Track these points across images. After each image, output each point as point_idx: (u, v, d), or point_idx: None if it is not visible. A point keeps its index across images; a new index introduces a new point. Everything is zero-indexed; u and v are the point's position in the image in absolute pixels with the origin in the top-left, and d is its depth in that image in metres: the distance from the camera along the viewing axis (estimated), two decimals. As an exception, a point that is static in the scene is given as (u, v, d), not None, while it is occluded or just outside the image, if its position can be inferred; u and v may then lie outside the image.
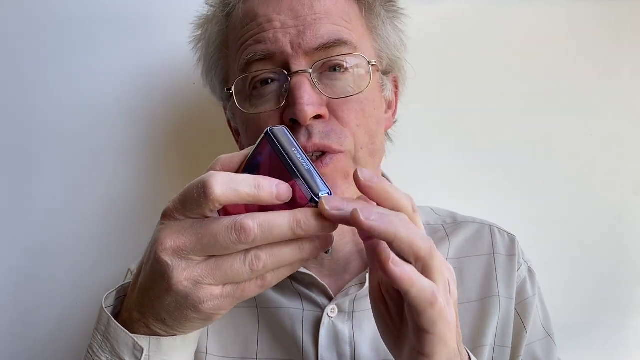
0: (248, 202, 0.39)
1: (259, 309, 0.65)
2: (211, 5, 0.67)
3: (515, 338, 0.67)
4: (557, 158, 0.91)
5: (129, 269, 0.73)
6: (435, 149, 0.90)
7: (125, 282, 0.49)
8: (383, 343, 0.62)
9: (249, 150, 0.42)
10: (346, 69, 0.59)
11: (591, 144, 0.91)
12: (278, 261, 0.40)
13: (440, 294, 0.40)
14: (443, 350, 0.42)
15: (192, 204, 0.39)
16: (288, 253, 0.40)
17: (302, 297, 0.64)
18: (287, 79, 0.57)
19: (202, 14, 0.69)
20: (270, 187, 0.39)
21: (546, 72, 0.91)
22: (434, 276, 0.40)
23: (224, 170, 0.41)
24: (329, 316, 0.62)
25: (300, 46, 0.57)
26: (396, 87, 0.70)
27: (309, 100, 0.55)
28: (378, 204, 0.41)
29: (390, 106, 0.69)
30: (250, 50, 0.59)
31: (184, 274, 0.40)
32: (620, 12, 0.90)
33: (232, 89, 0.60)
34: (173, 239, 0.40)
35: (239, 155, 0.42)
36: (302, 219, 0.39)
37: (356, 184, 0.41)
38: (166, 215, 0.41)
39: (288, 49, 0.57)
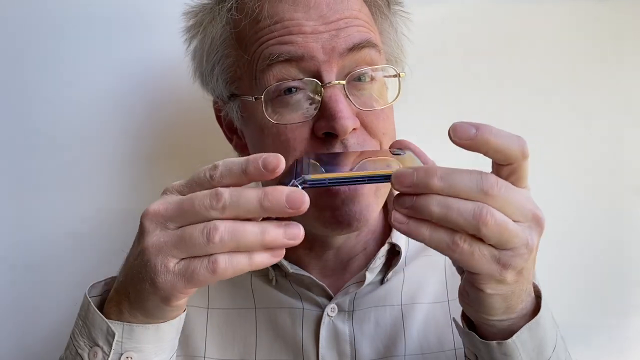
0: (239, 179, 0.40)
1: (257, 309, 0.65)
2: None
3: None
4: (557, 158, 0.91)
5: None
6: (435, 149, 0.90)
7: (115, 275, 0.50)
8: (383, 341, 0.63)
9: None
10: (373, 77, 0.59)
11: (591, 144, 0.91)
12: (235, 237, 0.39)
13: (462, 239, 0.40)
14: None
15: (195, 182, 0.42)
16: (248, 231, 0.39)
17: (302, 297, 0.64)
18: (318, 89, 0.55)
19: (199, 3, 0.65)
20: (256, 159, 0.40)
21: (546, 72, 0.91)
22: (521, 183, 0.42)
23: None
24: (329, 315, 0.62)
25: (333, 50, 0.55)
26: None
27: (348, 114, 0.54)
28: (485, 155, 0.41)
29: None
30: (274, 50, 0.56)
31: (154, 239, 0.40)
32: (621, 12, 0.90)
33: (262, 97, 0.56)
34: (158, 205, 0.41)
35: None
36: (271, 192, 0.38)
37: (452, 141, 0.40)
38: (166, 190, 0.43)
39: (320, 54, 0.55)
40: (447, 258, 0.66)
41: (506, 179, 0.41)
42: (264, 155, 0.39)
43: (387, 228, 0.68)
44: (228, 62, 0.61)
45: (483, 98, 0.90)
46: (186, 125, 0.88)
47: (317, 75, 0.56)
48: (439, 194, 0.39)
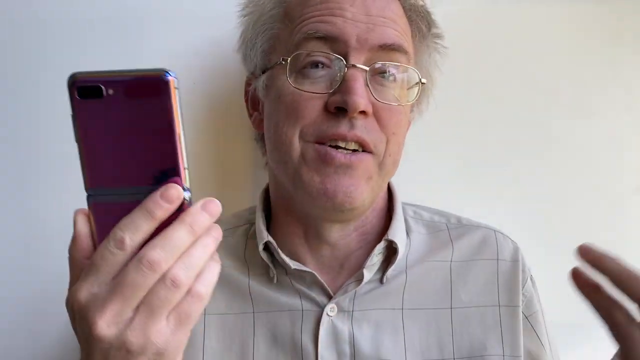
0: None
1: (255, 314, 0.64)
2: None
3: (535, 353, 0.67)
4: (556, 158, 0.91)
5: None
6: (438, 151, 0.90)
7: None
8: (383, 342, 0.63)
9: None
10: (395, 78, 0.61)
11: (591, 144, 0.91)
12: (193, 268, 0.38)
13: None
14: None
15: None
16: (197, 256, 0.38)
17: (302, 295, 0.64)
18: (344, 68, 0.59)
19: None
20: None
21: (546, 73, 0.90)
22: None
23: None
24: (329, 315, 0.62)
25: (366, 41, 0.59)
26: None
27: (362, 94, 0.57)
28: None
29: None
30: (313, 27, 0.60)
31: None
32: (621, 12, 0.90)
33: (288, 60, 0.60)
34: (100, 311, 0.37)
35: None
36: (195, 221, 0.37)
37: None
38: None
39: (353, 40, 0.59)
40: (452, 264, 0.67)
41: None
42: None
43: (385, 226, 0.68)
44: (270, 34, 0.65)
45: (482, 98, 0.90)
46: (188, 127, 0.88)
47: (345, 57, 0.59)
48: None
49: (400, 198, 0.71)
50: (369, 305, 0.64)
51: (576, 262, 0.90)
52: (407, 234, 0.69)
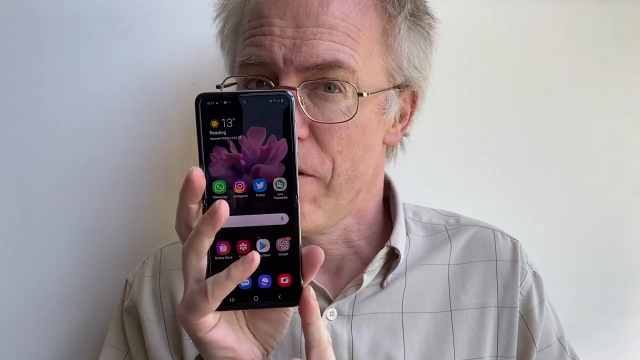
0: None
1: None
2: None
3: (522, 350, 0.66)
4: (557, 158, 0.91)
5: (126, 281, 0.73)
6: (437, 151, 0.90)
7: None
8: (381, 348, 0.63)
9: None
10: (340, 90, 0.56)
11: (591, 144, 0.91)
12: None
13: None
14: None
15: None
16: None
17: (301, 299, 0.64)
18: None
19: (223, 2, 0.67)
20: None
21: (546, 73, 0.90)
22: None
23: None
24: (328, 319, 0.62)
25: (292, 63, 0.55)
26: (413, 101, 0.66)
27: None
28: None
29: (402, 120, 0.66)
30: (247, 52, 0.58)
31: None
32: (620, 12, 0.90)
33: (221, 87, 0.61)
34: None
35: None
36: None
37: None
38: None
39: (280, 62, 0.55)
40: (450, 267, 0.67)
41: None
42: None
43: (386, 230, 0.68)
44: (229, 46, 0.65)
45: (482, 98, 0.90)
46: (190, 128, 0.88)
47: (277, 79, 0.56)
48: None
49: (401, 202, 0.70)
50: (368, 310, 0.64)
51: (576, 262, 0.91)
52: (407, 234, 0.69)
